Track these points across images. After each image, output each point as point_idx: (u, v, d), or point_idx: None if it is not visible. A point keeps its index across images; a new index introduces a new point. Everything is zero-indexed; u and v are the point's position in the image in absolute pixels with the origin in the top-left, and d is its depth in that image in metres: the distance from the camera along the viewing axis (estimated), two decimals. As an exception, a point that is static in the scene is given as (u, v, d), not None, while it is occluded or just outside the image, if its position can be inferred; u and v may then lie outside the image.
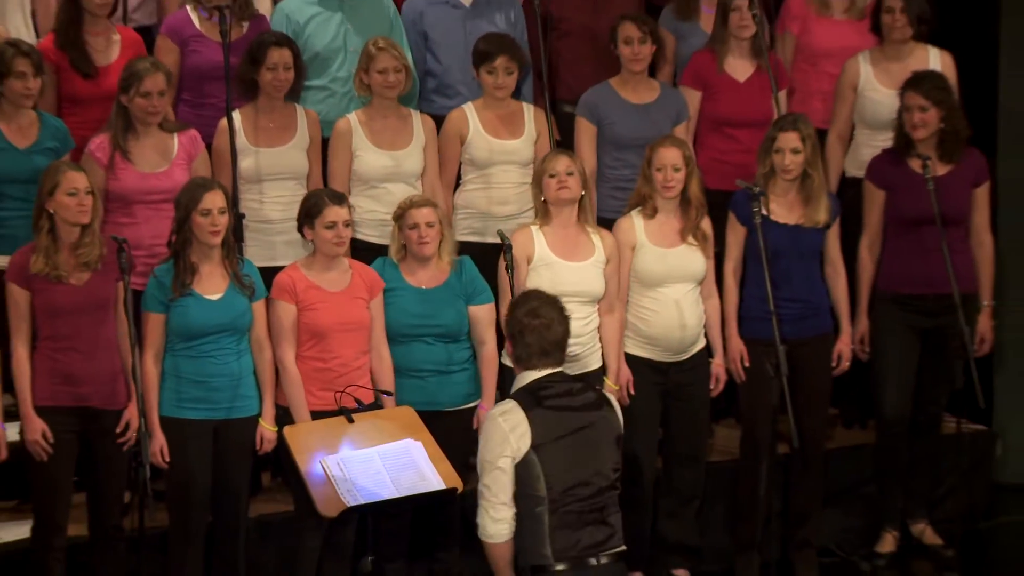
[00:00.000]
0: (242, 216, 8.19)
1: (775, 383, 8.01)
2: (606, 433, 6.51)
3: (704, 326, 8.38)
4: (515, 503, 6.40)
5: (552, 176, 8.09)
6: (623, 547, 6.48)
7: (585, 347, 8.10)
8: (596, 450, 6.47)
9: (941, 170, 8.50)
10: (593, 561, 6.42)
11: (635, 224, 8.26)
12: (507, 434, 6.37)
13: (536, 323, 6.55)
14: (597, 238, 8.19)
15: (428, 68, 9.00)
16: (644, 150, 8.32)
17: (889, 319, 8.58)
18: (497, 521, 6.39)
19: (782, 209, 8.32)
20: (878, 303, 8.59)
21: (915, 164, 8.49)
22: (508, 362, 7.05)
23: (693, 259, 8.28)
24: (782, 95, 8.98)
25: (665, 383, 8.29)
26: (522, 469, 6.37)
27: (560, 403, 6.46)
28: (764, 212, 8.21)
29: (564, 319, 6.64)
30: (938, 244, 8.41)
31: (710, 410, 8.60)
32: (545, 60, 8.79)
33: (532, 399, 6.43)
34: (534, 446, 6.35)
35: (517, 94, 8.77)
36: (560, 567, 6.37)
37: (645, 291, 8.29)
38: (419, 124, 8.64)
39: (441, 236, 8.02)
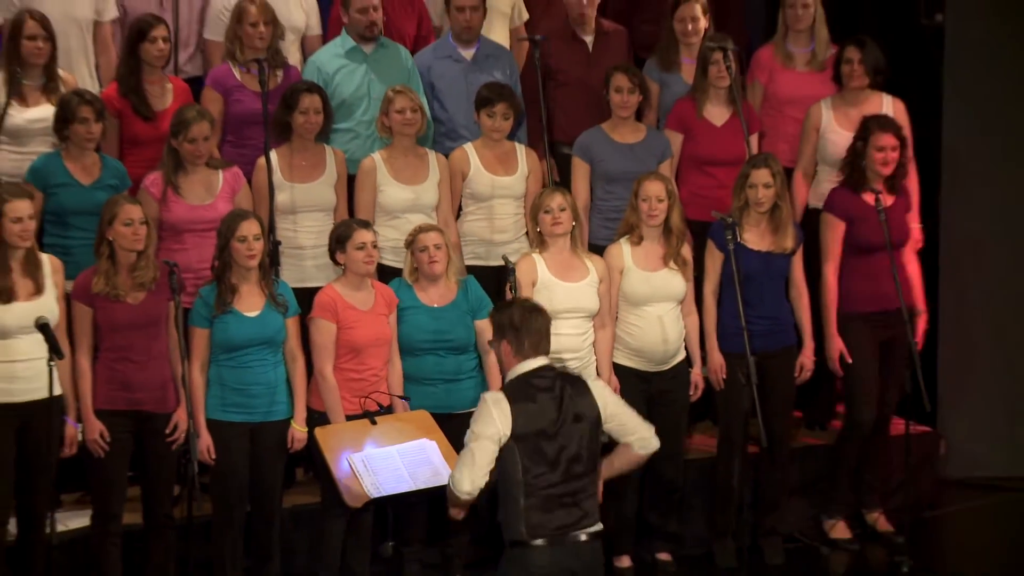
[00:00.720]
0: (278, 243, 8.34)
1: (746, 390, 8.15)
2: (586, 424, 6.39)
3: (684, 340, 8.48)
4: (493, 477, 6.32)
5: (547, 212, 8.25)
6: (599, 526, 6.41)
7: (583, 360, 8.29)
8: (575, 442, 6.35)
9: (888, 201, 8.58)
10: (570, 538, 6.30)
11: (623, 250, 8.43)
12: (495, 418, 6.28)
13: (532, 315, 6.47)
14: (590, 262, 8.38)
15: (435, 115, 9.13)
16: (632, 184, 8.46)
17: (857, 335, 8.67)
18: (474, 483, 6.28)
19: (754, 237, 8.50)
20: (846, 322, 8.69)
21: (869, 197, 8.54)
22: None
23: (674, 281, 8.43)
24: (753, 138, 9.08)
25: (649, 390, 8.44)
26: (504, 452, 6.29)
27: (545, 396, 6.35)
28: (738, 240, 8.30)
29: (545, 312, 6.59)
30: (889, 265, 8.50)
31: (689, 413, 8.70)
32: (544, 107, 8.91)
33: (521, 391, 6.35)
34: (515, 435, 6.27)
35: (511, 136, 8.88)
36: (538, 542, 6.27)
37: (632, 309, 8.42)
38: (435, 162, 8.76)
39: (448, 258, 8.10)
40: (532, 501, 6.30)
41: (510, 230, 8.72)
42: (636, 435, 6.52)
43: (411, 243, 8.11)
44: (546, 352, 6.50)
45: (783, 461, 8.62)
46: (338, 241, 7.96)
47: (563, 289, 8.23)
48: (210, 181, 8.32)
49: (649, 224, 8.34)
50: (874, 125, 8.67)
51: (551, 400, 6.36)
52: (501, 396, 6.35)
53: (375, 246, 7.97)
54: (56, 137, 8.24)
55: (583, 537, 6.35)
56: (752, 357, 8.10)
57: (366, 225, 8.03)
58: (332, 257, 8.01)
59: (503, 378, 6.53)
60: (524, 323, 6.46)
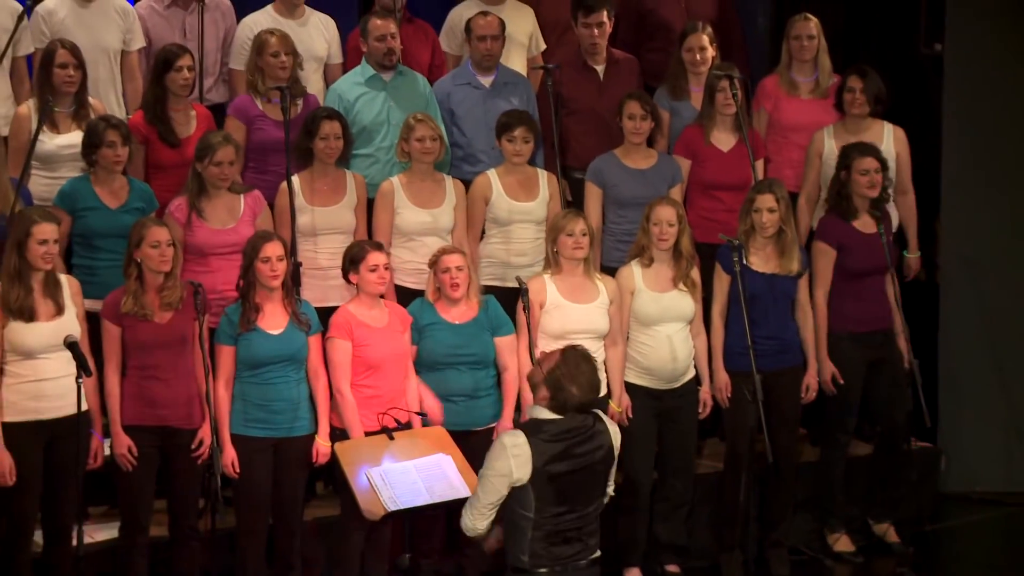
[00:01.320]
0: (299, 264, 8.42)
1: (753, 408, 8.27)
2: (601, 469, 6.51)
3: (693, 359, 8.58)
4: (503, 510, 6.47)
5: (569, 235, 8.33)
6: (598, 553, 6.56)
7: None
8: (588, 486, 6.48)
9: (872, 228, 8.80)
10: (571, 567, 6.45)
11: (634, 272, 8.54)
12: (510, 460, 6.37)
13: (581, 372, 6.47)
14: (601, 284, 8.46)
15: (454, 140, 9.25)
16: (643, 208, 8.58)
17: (845, 354, 8.82)
18: (479, 522, 6.49)
19: (760, 260, 8.61)
20: (835, 341, 8.82)
21: (858, 224, 8.73)
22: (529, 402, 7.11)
23: (684, 302, 8.54)
24: (759, 163, 9.20)
25: (659, 407, 8.54)
26: (517, 493, 6.42)
27: (562, 438, 6.42)
28: (744, 262, 8.43)
29: (598, 387, 6.63)
30: (877, 288, 8.71)
31: (698, 430, 8.82)
32: (557, 133, 9.04)
33: (539, 433, 6.42)
34: (531, 478, 6.36)
35: (532, 161, 9.00)
36: (540, 571, 6.43)
37: (642, 329, 8.52)
38: (451, 187, 8.86)
39: (470, 280, 8.22)
40: (538, 534, 6.42)
41: (529, 253, 8.81)
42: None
43: (434, 264, 8.19)
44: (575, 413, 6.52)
45: (788, 476, 8.71)
46: (351, 262, 8.04)
47: (574, 310, 8.33)
48: (232, 205, 8.42)
49: (659, 247, 8.45)
50: (854, 152, 8.80)
51: (568, 441, 6.42)
52: (519, 436, 6.41)
53: (387, 268, 8.06)
54: (84, 162, 8.34)
55: (582, 563, 6.50)
56: (758, 376, 8.22)
57: (379, 247, 8.12)
58: (345, 277, 8.06)
59: (523, 409, 6.61)
60: (570, 389, 6.42)
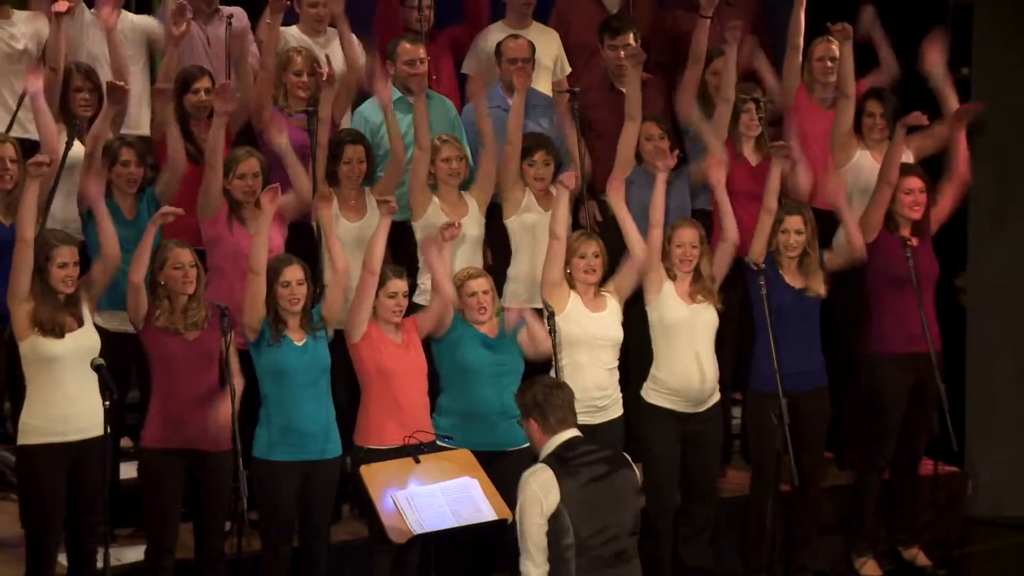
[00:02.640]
0: (324, 286, 8.26)
1: (779, 430, 8.20)
2: (624, 487, 6.63)
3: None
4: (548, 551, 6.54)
5: (582, 258, 8.32)
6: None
7: (609, 398, 8.36)
8: (616, 502, 6.57)
9: (915, 242, 8.69)
10: None
11: (663, 275, 8.49)
12: (539, 494, 6.47)
13: (554, 391, 6.70)
14: (608, 294, 8.42)
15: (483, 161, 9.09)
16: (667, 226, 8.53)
17: (888, 377, 8.78)
18: (539, 569, 6.52)
19: (788, 276, 8.57)
20: (877, 363, 8.78)
21: (897, 243, 8.66)
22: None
23: (708, 312, 8.46)
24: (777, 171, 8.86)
25: (684, 430, 8.48)
26: (553, 521, 6.48)
27: (583, 461, 6.56)
28: (773, 277, 8.39)
29: (567, 386, 6.84)
30: (917, 305, 8.60)
31: (722, 454, 8.82)
32: (582, 155, 8.95)
33: (559, 461, 6.54)
34: (562, 501, 6.45)
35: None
36: None
37: (668, 345, 8.43)
38: (472, 199, 8.83)
39: (495, 300, 8.22)
40: (583, 562, 6.46)
41: None
42: None
43: (460, 287, 8.19)
44: (573, 424, 6.67)
45: (815, 499, 8.69)
46: None
47: (591, 319, 8.30)
48: (260, 221, 8.33)
49: (682, 269, 8.44)
50: (899, 168, 8.74)
51: (588, 466, 6.51)
52: (541, 468, 6.51)
53: (405, 296, 8.03)
54: None
55: None
56: (784, 399, 8.19)
57: (400, 274, 8.08)
58: None
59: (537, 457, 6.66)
60: (547, 400, 6.65)
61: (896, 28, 9.49)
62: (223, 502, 7.86)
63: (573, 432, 6.65)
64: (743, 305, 8.72)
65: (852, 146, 9.14)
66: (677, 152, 8.78)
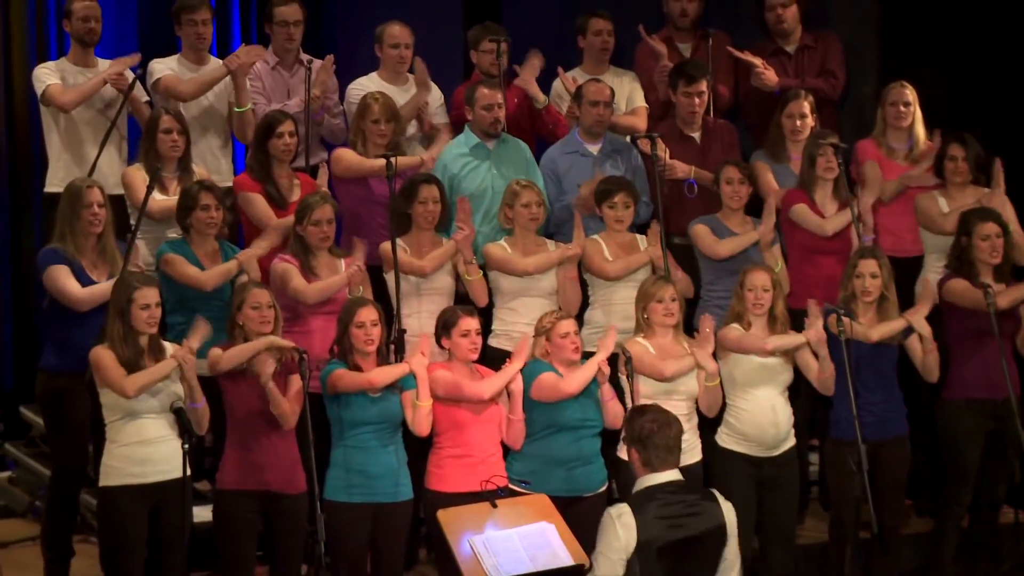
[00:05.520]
0: (403, 331, 8.32)
1: (858, 477, 8.02)
2: (711, 545, 6.52)
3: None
4: None
5: (660, 302, 8.22)
6: None
7: (687, 443, 8.10)
8: (697, 560, 6.49)
9: (998, 288, 8.52)
10: None
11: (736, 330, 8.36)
12: (619, 532, 6.43)
13: (661, 429, 6.63)
14: (687, 344, 8.29)
15: (564, 206, 9.15)
16: (738, 273, 8.46)
17: (966, 422, 8.62)
18: None
19: (866, 322, 8.36)
20: (956, 407, 8.63)
21: (979, 292, 8.48)
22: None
23: (781, 366, 8.34)
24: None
25: (759, 475, 8.36)
26: (629, 564, 6.44)
27: (670, 512, 6.48)
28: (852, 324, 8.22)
29: (678, 420, 6.73)
30: (999, 354, 8.41)
31: (799, 499, 8.66)
32: (659, 200, 8.90)
33: (646, 506, 6.46)
34: (638, 548, 6.38)
35: (632, 228, 8.94)
36: None
37: (741, 394, 8.34)
38: (553, 248, 8.78)
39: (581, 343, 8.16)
40: None
41: (632, 317, 8.52)
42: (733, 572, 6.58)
43: (548, 330, 8.05)
44: (675, 464, 6.59)
45: (894, 547, 8.50)
46: (444, 327, 7.95)
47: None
48: (334, 267, 8.38)
49: (755, 313, 8.32)
50: (974, 217, 8.65)
51: (676, 515, 6.42)
52: (625, 509, 6.43)
53: (479, 334, 7.97)
54: (179, 225, 8.37)
55: None
56: (863, 445, 8.03)
57: (471, 313, 8.03)
58: (438, 341, 8.00)
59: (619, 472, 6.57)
60: (651, 436, 6.58)
61: (976, 74, 9.35)
62: (299, 545, 7.80)
63: (672, 475, 6.52)
64: None
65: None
66: (748, 188, 8.80)
